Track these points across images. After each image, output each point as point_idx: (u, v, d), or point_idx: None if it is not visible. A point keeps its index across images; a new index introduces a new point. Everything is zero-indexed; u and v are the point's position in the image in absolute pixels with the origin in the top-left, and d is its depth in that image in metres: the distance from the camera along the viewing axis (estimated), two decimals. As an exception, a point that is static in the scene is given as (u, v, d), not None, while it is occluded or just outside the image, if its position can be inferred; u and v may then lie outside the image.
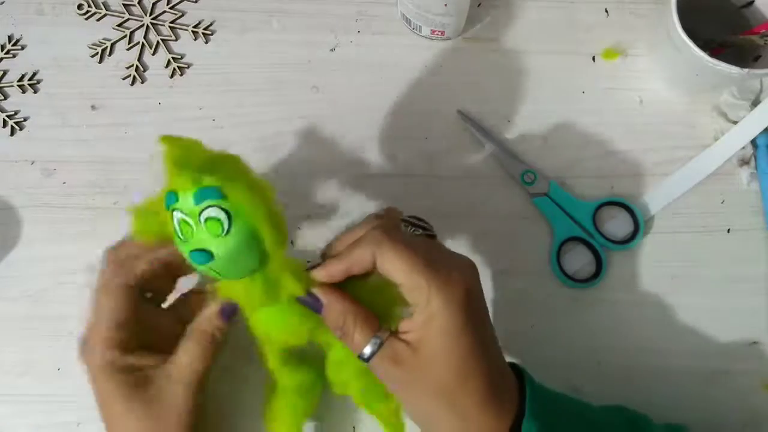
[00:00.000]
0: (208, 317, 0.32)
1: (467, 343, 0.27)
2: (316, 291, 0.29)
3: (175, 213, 0.26)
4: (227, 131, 0.44)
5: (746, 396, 0.40)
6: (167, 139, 0.25)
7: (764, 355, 0.40)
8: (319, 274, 0.29)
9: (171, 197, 0.26)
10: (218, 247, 0.26)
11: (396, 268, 0.27)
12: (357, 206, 0.42)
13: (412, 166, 0.43)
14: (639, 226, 0.41)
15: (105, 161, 0.44)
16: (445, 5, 0.39)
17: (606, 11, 0.45)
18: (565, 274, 0.41)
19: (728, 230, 0.42)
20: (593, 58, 0.44)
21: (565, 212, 0.41)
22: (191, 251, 0.26)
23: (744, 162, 0.42)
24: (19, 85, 0.45)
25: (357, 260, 0.28)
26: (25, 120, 0.44)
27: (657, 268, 0.41)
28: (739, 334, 0.40)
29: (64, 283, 0.42)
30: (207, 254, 0.26)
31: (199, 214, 0.25)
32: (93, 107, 0.45)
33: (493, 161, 0.43)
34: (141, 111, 0.44)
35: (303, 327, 0.31)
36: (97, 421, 0.40)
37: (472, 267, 0.30)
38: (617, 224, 0.42)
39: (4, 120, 0.44)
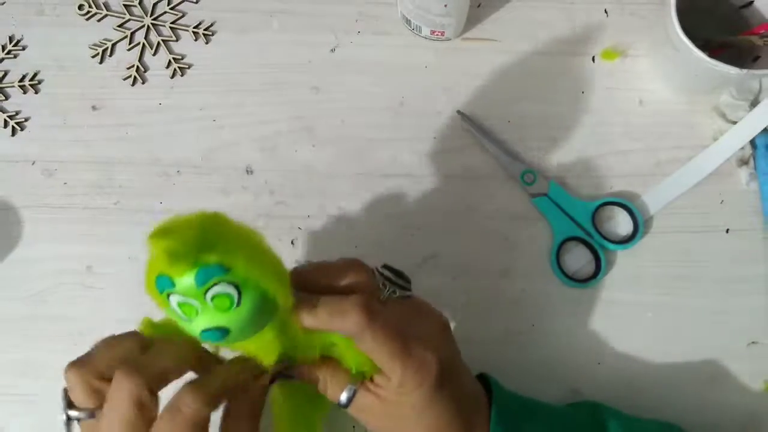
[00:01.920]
0: (181, 398, 0.25)
1: (442, 405, 0.29)
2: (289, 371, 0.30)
3: (172, 297, 0.24)
4: (228, 131, 0.44)
5: (746, 396, 0.40)
6: (157, 235, 0.22)
7: (764, 355, 0.40)
8: (305, 322, 0.28)
9: (164, 282, 0.23)
10: (231, 321, 0.24)
11: (374, 353, 0.28)
12: (357, 206, 0.43)
13: (412, 166, 0.43)
14: (638, 226, 0.41)
15: (106, 161, 0.44)
16: (445, 6, 0.39)
17: (606, 12, 0.45)
18: (565, 274, 0.41)
19: (727, 230, 0.42)
20: (593, 59, 0.44)
21: (564, 212, 0.41)
22: (203, 331, 0.24)
23: (743, 162, 0.42)
24: (20, 86, 0.45)
25: (337, 328, 0.28)
26: (26, 120, 0.45)
27: (656, 268, 0.41)
28: (739, 334, 0.40)
29: (64, 284, 0.42)
30: (221, 331, 0.24)
31: (204, 294, 0.23)
32: (94, 108, 0.45)
33: (493, 161, 0.43)
34: (142, 111, 0.44)
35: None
36: (97, 421, 0.41)
37: (444, 332, 0.31)
38: (617, 224, 0.42)
39: (5, 120, 0.44)
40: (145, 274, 0.24)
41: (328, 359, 0.30)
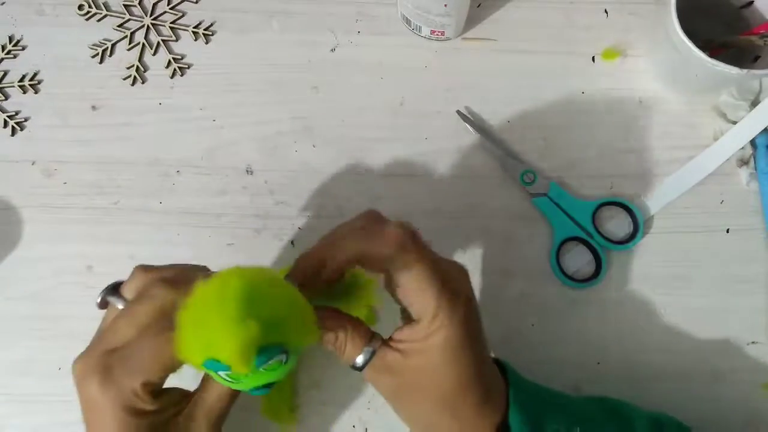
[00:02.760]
0: None
1: (468, 355, 0.28)
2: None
3: (220, 373, 0.24)
4: (228, 131, 0.44)
5: (746, 396, 0.40)
6: (234, 318, 0.22)
7: (764, 355, 0.40)
8: (329, 275, 0.28)
9: (217, 366, 0.23)
10: (279, 375, 0.25)
11: (410, 279, 0.27)
12: (357, 206, 0.43)
13: (412, 166, 0.43)
14: (638, 226, 0.41)
15: (105, 161, 0.44)
16: (445, 5, 0.39)
17: (605, 12, 0.45)
18: (565, 274, 0.41)
19: (727, 230, 0.42)
20: (593, 59, 0.44)
21: (564, 212, 0.41)
22: (252, 389, 0.25)
23: (743, 162, 0.42)
24: (19, 86, 0.45)
25: (376, 249, 0.28)
26: (25, 120, 0.45)
27: (656, 268, 0.41)
28: (739, 334, 0.40)
29: (64, 283, 0.42)
30: (270, 386, 0.25)
31: (257, 367, 0.24)
32: (93, 107, 0.45)
33: (493, 161, 0.43)
34: (142, 111, 0.44)
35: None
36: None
37: (467, 275, 0.30)
38: (617, 224, 0.42)
39: (5, 120, 0.44)
40: (183, 337, 0.24)
41: (347, 315, 0.29)
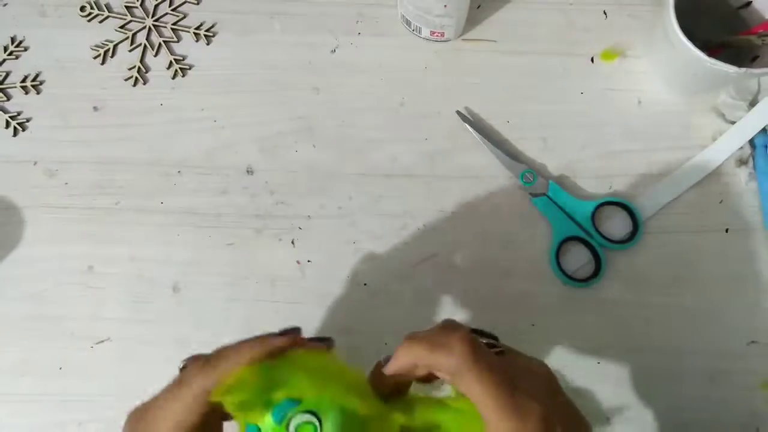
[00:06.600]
0: None
1: None
2: None
3: None
4: (229, 132, 0.44)
5: (745, 396, 0.40)
6: (222, 394, 0.25)
7: (763, 355, 0.40)
8: (391, 367, 0.27)
9: (252, 429, 0.25)
10: None
11: (476, 397, 0.25)
12: (357, 207, 0.43)
13: (412, 166, 0.43)
14: (638, 225, 0.41)
15: (107, 162, 0.44)
16: (445, 6, 0.39)
17: (604, 13, 0.45)
18: (565, 274, 0.41)
19: (726, 230, 0.42)
20: (592, 60, 0.44)
21: (564, 212, 0.42)
22: None
23: (742, 162, 0.42)
24: (21, 86, 0.45)
25: (438, 363, 0.26)
26: (27, 121, 0.45)
27: (656, 267, 0.41)
28: (738, 333, 0.40)
29: (65, 283, 0.42)
30: None
31: (287, 429, 0.25)
32: (95, 108, 0.45)
33: (493, 161, 0.43)
34: (143, 112, 0.45)
35: None
36: (97, 421, 0.41)
37: (548, 379, 0.29)
38: (616, 224, 0.42)
39: (7, 121, 0.44)
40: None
41: None
